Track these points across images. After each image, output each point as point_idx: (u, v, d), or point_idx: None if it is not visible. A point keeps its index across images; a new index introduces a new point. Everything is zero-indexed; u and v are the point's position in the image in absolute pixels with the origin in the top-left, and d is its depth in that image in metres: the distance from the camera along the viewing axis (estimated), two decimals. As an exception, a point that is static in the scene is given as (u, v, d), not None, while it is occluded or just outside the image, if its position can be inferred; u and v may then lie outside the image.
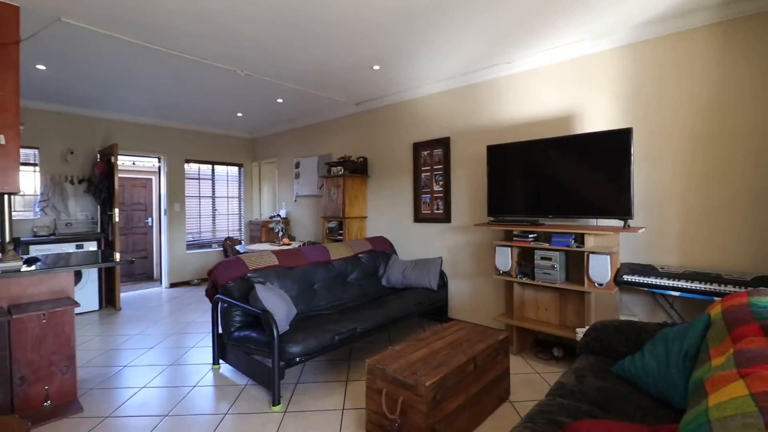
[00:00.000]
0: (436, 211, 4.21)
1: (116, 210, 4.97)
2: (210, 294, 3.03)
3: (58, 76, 3.87)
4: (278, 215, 6.14)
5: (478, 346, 2.19)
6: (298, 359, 2.45)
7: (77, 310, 4.79)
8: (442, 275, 4.01)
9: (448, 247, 4.11)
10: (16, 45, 2.41)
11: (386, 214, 4.75)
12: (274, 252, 3.30)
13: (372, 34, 2.93)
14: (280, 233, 5.53)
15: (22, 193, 5.08)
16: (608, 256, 2.69)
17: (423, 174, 4.34)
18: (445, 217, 4.11)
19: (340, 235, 4.77)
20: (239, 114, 5.57)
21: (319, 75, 3.88)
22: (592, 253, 2.75)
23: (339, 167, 4.80)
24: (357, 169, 4.83)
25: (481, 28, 2.86)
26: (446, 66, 3.64)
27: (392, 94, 4.55)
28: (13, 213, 5.04)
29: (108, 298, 5.15)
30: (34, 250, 4.50)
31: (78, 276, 4.76)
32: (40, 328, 2.39)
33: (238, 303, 2.69)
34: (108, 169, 5.03)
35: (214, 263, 6.64)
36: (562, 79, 3.32)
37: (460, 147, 4.03)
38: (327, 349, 2.63)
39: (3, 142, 2.35)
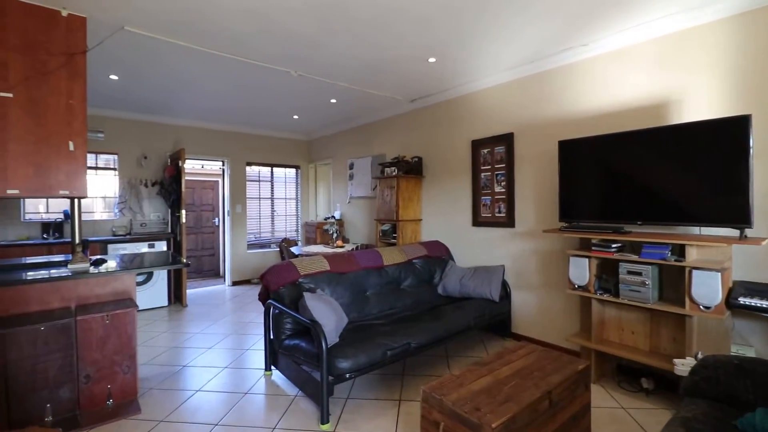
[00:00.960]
0: (497, 215, 3.85)
1: (183, 211, 5.23)
2: (262, 298, 2.99)
3: (130, 85, 4.11)
4: (332, 217, 6.12)
5: (554, 377, 1.86)
6: (347, 375, 2.29)
7: (148, 305, 5.12)
8: (505, 285, 3.65)
9: (511, 255, 3.74)
10: (84, 55, 2.51)
11: (442, 217, 4.48)
12: (326, 257, 3.19)
13: (430, 19, 2.68)
14: (334, 235, 5.47)
15: (103, 195, 5.54)
16: (719, 273, 2.19)
17: (483, 174, 4.00)
18: (508, 221, 3.74)
19: (394, 238, 4.57)
20: (295, 116, 5.61)
21: (372, 72, 3.72)
22: (697, 268, 2.26)
23: (392, 168, 4.61)
24: (411, 169, 4.61)
25: (552, 4, 2.49)
26: (510, 53, 3.28)
27: (448, 89, 4.26)
28: (96, 214, 5.52)
29: (176, 295, 5.44)
30: (112, 249, 4.87)
31: (149, 274, 5.08)
32: (103, 328, 2.47)
33: (287, 310, 2.60)
34: (176, 172, 5.32)
35: (271, 263, 6.84)
36: (650, 62, 2.82)
37: (525, 143, 3.64)
38: (378, 365, 2.44)
39: (72, 149, 2.46)
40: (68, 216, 5.09)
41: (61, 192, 2.42)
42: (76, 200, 2.63)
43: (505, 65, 3.55)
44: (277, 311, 2.75)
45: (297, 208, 7.50)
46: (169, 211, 5.70)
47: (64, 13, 2.43)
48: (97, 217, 5.44)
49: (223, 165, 6.60)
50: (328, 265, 3.12)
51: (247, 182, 6.77)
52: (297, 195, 7.48)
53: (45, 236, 4.88)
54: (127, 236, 5.21)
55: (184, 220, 5.26)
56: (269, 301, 2.84)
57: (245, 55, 3.27)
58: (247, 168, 6.76)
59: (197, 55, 3.27)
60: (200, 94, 4.49)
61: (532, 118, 3.57)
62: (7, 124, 2.27)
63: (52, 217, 5.05)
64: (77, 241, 2.62)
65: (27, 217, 5.00)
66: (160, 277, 5.16)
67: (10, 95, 2.28)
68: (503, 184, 3.81)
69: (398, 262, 3.62)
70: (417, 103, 4.73)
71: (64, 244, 4.64)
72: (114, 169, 5.56)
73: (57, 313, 2.34)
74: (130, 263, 2.78)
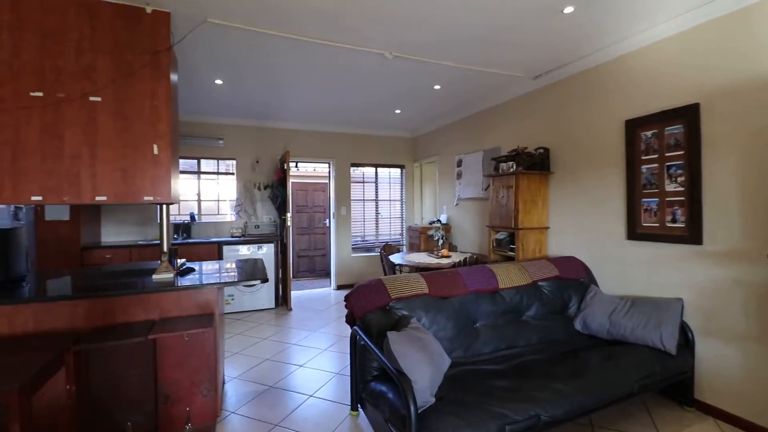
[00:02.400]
0: (670, 225, 2.70)
1: (289, 214, 5.21)
2: (349, 321, 2.52)
3: (234, 88, 4.12)
4: (438, 221, 5.46)
5: None
6: (446, 454, 1.63)
7: (257, 306, 5.22)
8: (684, 329, 2.50)
9: (694, 284, 2.55)
10: (168, 52, 2.36)
11: (578, 225, 3.43)
12: (425, 276, 2.56)
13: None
14: (440, 242, 4.81)
15: (223, 199, 5.91)
16: None
17: (644, 166, 2.87)
18: (690, 235, 2.56)
19: (512, 250, 3.69)
20: (397, 111, 5.12)
21: (484, 44, 2.95)
22: None
23: (510, 163, 3.73)
24: (535, 164, 3.66)
25: None
26: (704, -17, 2.16)
27: (588, 56, 3.21)
28: (218, 216, 5.91)
29: (284, 297, 5.47)
30: (227, 250, 5.06)
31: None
32: (183, 346, 2.28)
33: (372, 346, 2.05)
34: (283, 175, 5.33)
35: (374, 270, 6.53)
36: None
37: (721, 118, 2.43)
38: (491, 443, 1.70)
39: (156, 152, 2.32)
40: (194, 218, 5.53)
41: (146, 198, 2.30)
42: (164, 206, 2.53)
43: (681, 5, 2.41)
44: (362, 342, 2.22)
45: (402, 210, 7.05)
46: (277, 213, 5.79)
47: (149, 10, 2.31)
48: (219, 219, 5.81)
49: (329, 167, 6.52)
50: (426, 286, 2.49)
51: (352, 184, 6.57)
52: (402, 196, 7.03)
53: (175, 236, 5.35)
54: (240, 238, 5.41)
55: (290, 223, 5.23)
56: (354, 327, 2.34)
57: (333, 39, 2.85)
58: (352, 169, 6.56)
59: (286, 46, 2.98)
60: (299, 93, 4.32)
61: (735, 79, 2.35)
62: (96, 128, 2.22)
63: (182, 219, 5.53)
64: (164, 249, 2.51)
65: (164, 218, 5.57)
66: (269, 278, 5.21)
67: (99, 99, 2.22)
68: (680, 180, 2.63)
69: (518, 285, 2.78)
70: (542, 80, 3.75)
71: (186, 244, 4.99)
72: (233, 173, 5.88)
73: (139, 327, 2.21)
74: (218, 273, 2.60)
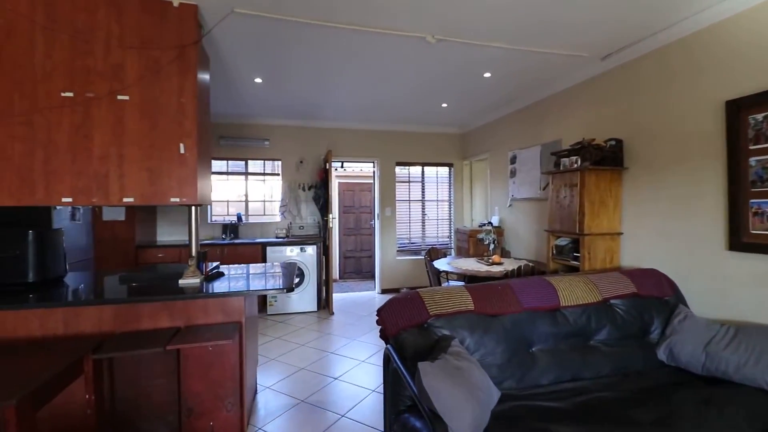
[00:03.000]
0: (792, 232, 2.10)
1: (331, 215, 5.06)
2: (384, 337, 2.25)
3: (274, 86, 4.04)
4: (489, 223, 5.02)
5: None
6: None
7: (299, 309, 5.12)
8: (818, 368, 1.91)
9: (831, 309, 1.95)
10: (195, 47, 2.25)
11: (661, 232, 2.87)
12: (470, 290, 2.21)
13: None
14: (491, 246, 4.38)
15: (268, 199, 5.92)
16: None
17: (754, 158, 2.28)
18: (825, 246, 1.96)
19: (576, 259, 3.20)
20: (444, 105, 4.77)
21: (542, 19, 2.53)
22: None
23: (574, 157, 3.24)
24: (605, 158, 3.13)
25: None
26: None
27: (671, 26, 2.66)
28: (265, 216, 5.94)
29: (326, 300, 5.34)
30: (270, 251, 5.02)
31: (302, 275, 5.08)
32: (207, 356, 2.15)
33: (405, 374, 1.75)
34: (325, 175, 5.21)
35: (419, 274, 6.21)
36: None
37: None
38: None
39: (183, 151, 2.21)
40: (240, 219, 5.59)
41: (172, 199, 2.20)
42: (193, 208, 2.43)
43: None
44: (395, 365, 1.94)
45: (450, 211, 6.65)
46: (320, 214, 5.68)
47: (176, 3, 2.22)
48: (266, 219, 5.83)
49: (373, 166, 6.31)
50: (472, 301, 2.14)
51: (397, 183, 6.31)
52: (450, 197, 6.64)
53: (223, 237, 5.43)
54: (284, 239, 5.37)
55: (332, 225, 5.08)
56: (387, 346, 2.07)
57: (367, 24, 2.60)
58: (397, 168, 6.29)
59: (318, 38, 2.79)
60: (339, 88, 4.14)
61: None
62: (124, 128, 2.16)
63: (230, 219, 5.61)
64: (192, 253, 2.41)
65: (214, 219, 5.69)
66: (311, 281, 5.11)
67: (127, 98, 2.16)
68: (809, 174, 2.04)
69: (585, 303, 2.33)
70: (612, 60, 3.21)
71: (231, 245, 5.02)
72: (278, 174, 5.87)
73: (163, 334, 2.11)
74: (247, 279, 2.45)
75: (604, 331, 2.30)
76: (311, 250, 5.13)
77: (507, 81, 3.86)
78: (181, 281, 2.23)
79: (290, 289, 2.18)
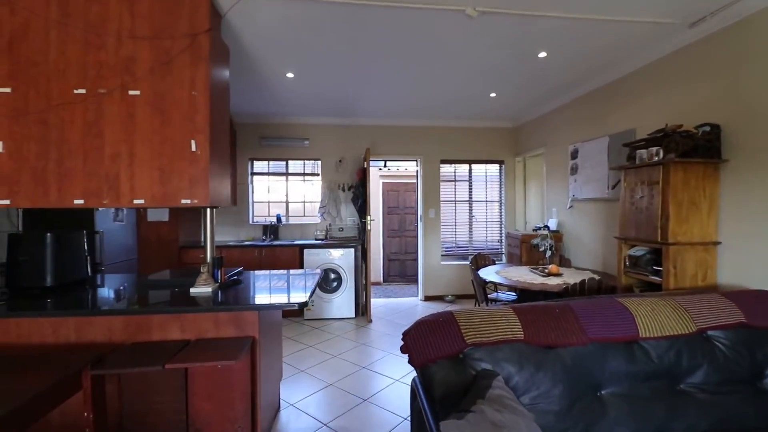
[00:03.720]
0: None
1: (369, 217, 4.79)
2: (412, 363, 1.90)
3: (307, 80, 3.84)
4: (545, 227, 4.44)
5: None
6: None
7: (336, 315, 4.91)
8: None
9: None
10: (208, 35, 2.06)
11: (778, 240, 2.22)
12: (520, 313, 1.79)
13: None
14: (547, 253, 3.85)
15: (308, 200, 5.79)
16: None
17: None
18: None
19: (656, 274, 2.61)
20: (492, 94, 4.29)
21: (618, -26, 2.04)
22: None
23: (653, 149, 2.65)
24: (696, 148, 2.52)
25: None
26: None
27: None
28: (305, 217, 5.82)
29: (365, 306, 5.08)
30: (307, 254, 4.86)
31: (339, 279, 4.86)
32: (215, 374, 1.94)
33: (431, 422, 1.40)
34: (363, 175, 4.95)
35: (468, 281, 5.75)
36: None
37: None
38: None
39: (194, 149, 2.03)
40: (280, 220, 5.50)
41: (183, 201, 2.03)
42: (208, 210, 2.26)
43: None
44: (421, 405, 1.59)
45: (500, 213, 6.10)
46: (358, 215, 5.44)
47: (188, -12, 2.04)
48: (306, 221, 5.71)
49: (416, 165, 5.95)
50: (521, 328, 1.72)
51: (442, 183, 5.89)
52: (500, 197, 6.09)
53: (263, 238, 5.38)
54: (322, 241, 5.19)
55: (370, 227, 4.81)
56: (414, 378, 1.72)
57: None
58: (442, 167, 5.88)
59: (351, 20, 2.50)
60: (374, 80, 3.84)
61: None
62: (135, 125, 2.02)
63: (270, 220, 5.55)
64: (208, 258, 2.23)
65: (255, 219, 5.67)
66: (348, 286, 4.88)
67: (138, 93, 2.02)
68: None
69: (673, 334, 1.81)
70: (703, 28, 2.59)
71: (269, 247, 4.93)
72: (317, 174, 5.72)
73: (171, 347, 1.94)
74: (269, 288, 2.23)
75: (699, 373, 1.76)
76: (348, 252, 4.89)
77: (567, 61, 3.31)
78: (192, 290, 2.05)
79: (303, 305, 1.90)
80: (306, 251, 4.86)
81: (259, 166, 5.70)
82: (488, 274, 3.58)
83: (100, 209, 3.69)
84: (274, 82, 3.81)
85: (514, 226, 5.92)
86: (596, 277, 3.03)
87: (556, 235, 4.42)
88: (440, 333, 1.69)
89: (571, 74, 3.65)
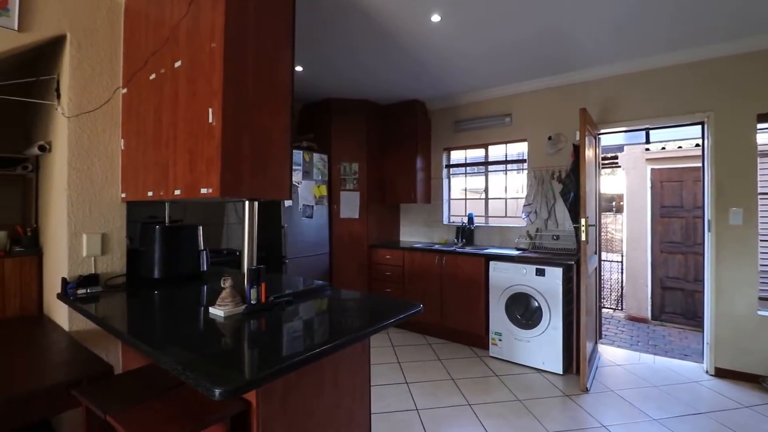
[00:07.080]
0: None
1: (584, 220, 3.09)
2: None
3: (461, 25, 2.72)
4: None
5: None
6: None
7: (532, 363, 3.37)
8: None
9: None
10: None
11: None
12: None
13: None
14: None
15: (510, 196, 4.48)
16: None
17: None
18: None
19: None
20: None
21: None
22: None
23: None
24: None
25: None
26: None
27: None
28: (506, 219, 4.57)
29: (577, 361, 3.34)
30: (494, 268, 3.64)
31: (539, 312, 3.36)
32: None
33: None
34: (576, 156, 3.25)
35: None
36: None
37: None
38: None
39: (210, 120, 1.51)
40: (471, 221, 4.51)
41: (203, 191, 1.55)
42: (248, 203, 1.70)
43: None
44: None
45: None
46: (570, 216, 3.67)
47: None
48: (508, 223, 4.47)
49: (702, 129, 3.49)
50: None
51: (760, 159, 3.21)
52: None
53: (455, 241, 4.55)
54: (521, 252, 3.83)
55: (585, 237, 3.09)
56: None
57: None
58: (760, 129, 3.19)
59: None
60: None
61: None
62: (178, 102, 1.71)
63: (464, 221, 4.65)
64: (244, 270, 1.67)
65: (451, 219, 4.92)
66: (552, 324, 3.31)
67: (179, 63, 1.69)
68: None
69: None
70: None
71: (453, 254, 4.04)
72: (523, 161, 4.35)
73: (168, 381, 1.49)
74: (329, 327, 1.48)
75: None
76: (554, 273, 3.32)
77: None
78: (212, 309, 1.53)
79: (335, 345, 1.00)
80: (492, 264, 3.65)
81: (456, 157, 4.90)
82: None
83: (286, 204, 3.93)
84: (414, 34, 2.92)
85: None
86: None
87: None
88: None
89: None
